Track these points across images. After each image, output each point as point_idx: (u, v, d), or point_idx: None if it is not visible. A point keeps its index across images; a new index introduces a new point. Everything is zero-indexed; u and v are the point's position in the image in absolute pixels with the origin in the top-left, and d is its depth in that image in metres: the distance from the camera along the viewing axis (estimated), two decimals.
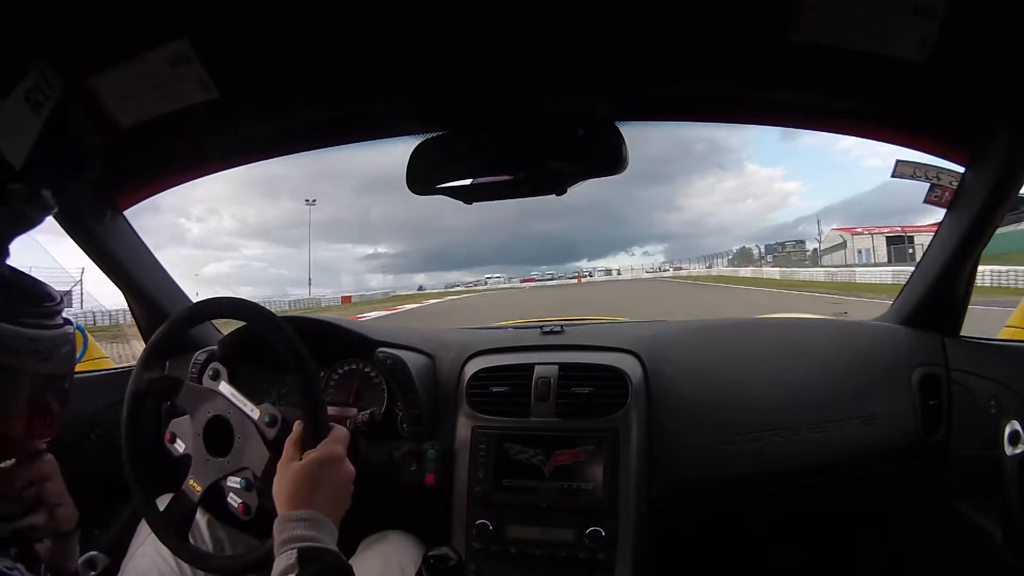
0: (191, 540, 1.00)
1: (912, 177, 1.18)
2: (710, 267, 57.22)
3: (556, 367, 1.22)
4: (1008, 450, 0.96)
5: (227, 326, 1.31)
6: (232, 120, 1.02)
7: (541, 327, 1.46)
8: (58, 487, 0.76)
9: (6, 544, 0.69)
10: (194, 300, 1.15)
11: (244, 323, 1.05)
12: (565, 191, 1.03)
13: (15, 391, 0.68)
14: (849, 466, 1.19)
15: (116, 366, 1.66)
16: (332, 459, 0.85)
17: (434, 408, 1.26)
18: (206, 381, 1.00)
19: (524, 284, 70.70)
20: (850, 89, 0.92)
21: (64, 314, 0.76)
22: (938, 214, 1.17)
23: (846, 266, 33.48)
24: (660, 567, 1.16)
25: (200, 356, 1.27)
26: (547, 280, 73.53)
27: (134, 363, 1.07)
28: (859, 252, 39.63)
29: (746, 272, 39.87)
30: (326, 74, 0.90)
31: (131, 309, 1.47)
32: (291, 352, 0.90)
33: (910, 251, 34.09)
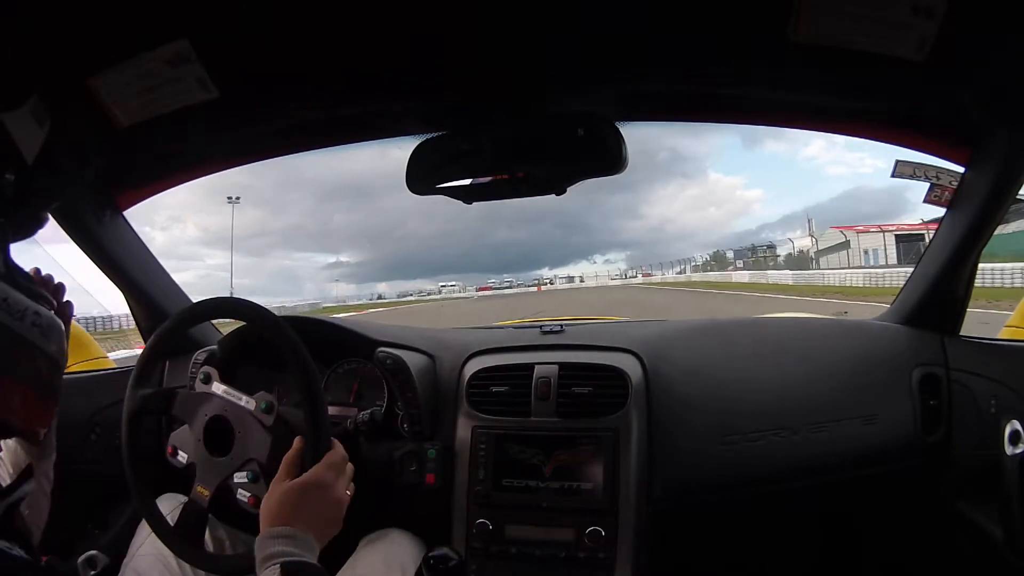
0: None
1: (912, 177, 1.18)
2: (681, 272, 56.22)
3: (556, 367, 1.22)
4: (1008, 450, 0.97)
5: (227, 326, 1.31)
6: (232, 120, 1.02)
7: (541, 327, 1.46)
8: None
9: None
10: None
11: (243, 323, 1.05)
12: (565, 191, 1.03)
13: (16, 356, 0.71)
14: (849, 466, 1.19)
15: (116, 366, 1.66)
16: (320, 485, 0.84)
17: (434, 408, 1.26)
18: (198, 386, 1.00)
19: (479, 293, 66.17)
20: (850, 89, 0.91)
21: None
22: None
23: (849, 268, 30.50)
24: (660, 567, 1.16)
25: (200, 356, 1.27)
26: (504, 288, 70.93)
27: (134, 364, 1.07)
28: (865, 252, 34.36)
29: (744, 276, 37.11)
30: (326, 74, 0.90)
31: (131, 309, 1.46)
32: (293, 355, 0.90)
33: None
